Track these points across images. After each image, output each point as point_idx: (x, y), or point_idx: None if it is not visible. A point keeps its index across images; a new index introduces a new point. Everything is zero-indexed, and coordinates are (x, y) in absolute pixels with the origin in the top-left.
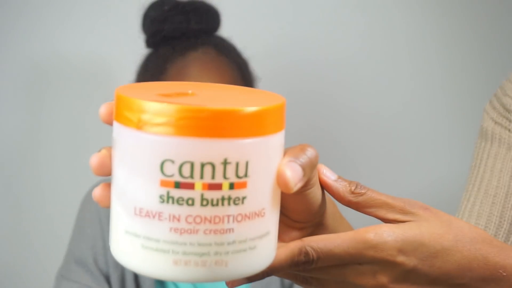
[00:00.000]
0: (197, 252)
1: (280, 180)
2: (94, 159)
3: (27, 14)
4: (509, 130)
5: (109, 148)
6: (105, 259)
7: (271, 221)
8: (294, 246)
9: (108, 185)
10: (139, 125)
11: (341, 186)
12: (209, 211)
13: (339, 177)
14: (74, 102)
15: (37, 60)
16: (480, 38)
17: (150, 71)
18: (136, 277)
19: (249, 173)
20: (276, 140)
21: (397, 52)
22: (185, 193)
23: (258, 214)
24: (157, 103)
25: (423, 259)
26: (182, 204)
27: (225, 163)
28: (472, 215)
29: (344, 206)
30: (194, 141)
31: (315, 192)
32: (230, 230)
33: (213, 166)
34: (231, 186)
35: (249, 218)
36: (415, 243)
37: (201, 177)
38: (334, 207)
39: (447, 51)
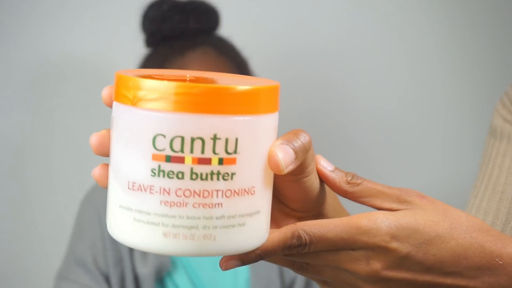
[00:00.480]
0: (186, 225)
1: (271, 161)
2: (94, 138)
3: (26, 14)
4: None
5: (109, 130)
6: (104, 259)
7: (262, 200)
8: (287, 229)
9: (107, 165)
10: (134, 102)
11: (337, 176)
12: (198, 184)
13: (336, 168)
14: (73, 101)
15: (36, 60)
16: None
17: None
18: (136, 277)
19: (239, 150)
20: (268, 121)
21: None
22: (175, 167)
23: (248, 192)
24: (151, 80)
25: (417, 246)
26: (172, 178)
27: (214, 138)
28: (479, 212)
29: (343, 198)
30: (185, 116)
31: (312, 180)
32: (219, 204)
33: (203, 141)
34: (220, 162)
35: (238, 194)
36: (409, 229)
37: (191, 151)
38: (334, 198)
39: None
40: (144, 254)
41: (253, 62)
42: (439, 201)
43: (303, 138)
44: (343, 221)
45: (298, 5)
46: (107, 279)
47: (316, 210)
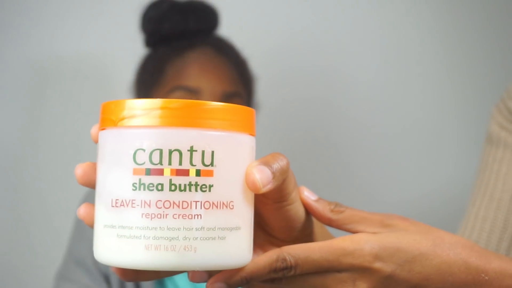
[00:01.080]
0: (167, 236)
1: (249, 180)
2: (79, 169)
3: (25, 14)
4: None
5: (93, 162)
6: None
7: (242, 217)
8: (272, 253)
9: (90, 204)
10: (116, 122)
11: (321, 206)
12: (177, 196)
13: (320, 198)
14: (72, 102)
15: (34, 60)
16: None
17: (149, 71)
18: None
19: (215, 162)
20: (245, 140)
21: (401, 53)
22: (155, 179)
23: (227, 206)
24: (131, 99)
25: (401, 265)
26: (152, 190)
27: (191, 150)
28: (477, 219)
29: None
30: (162, 130)
31: (297, 208)
32: (198, 216)
33: (180, 153)
34: (198, 173)
35: (217, 206)
36: (391, 249)
37: (169, 163)
38: (322, 228)
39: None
40: None
41: (253, 62)
42: (421, 222)
43: (281, 161)
44: (327, 243)
45: (298, 5)
46: (107, 279)
47: (304, 239)
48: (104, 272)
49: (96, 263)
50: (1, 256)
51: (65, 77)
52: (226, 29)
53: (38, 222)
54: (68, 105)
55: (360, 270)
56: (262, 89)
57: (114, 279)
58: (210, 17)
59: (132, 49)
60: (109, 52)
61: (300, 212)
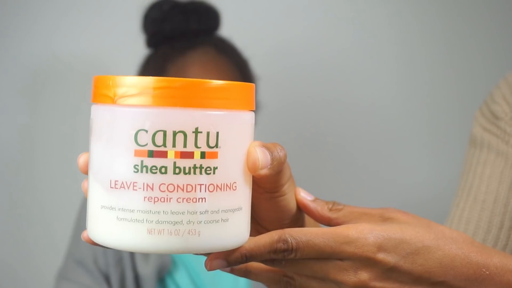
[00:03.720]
0: (171, 221)
1: (250, 159)
2: (82, 159)
3: (24, 13)
4: (498, 137)
5: None
6: (105, 259)
7: (243, 197)
8: (274, 233)
9: None
10: (114, 99)
11: (319, 206)
12: (181, 179)
13: (316, 198)
14: (73, 102)
15: (35, 61)
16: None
17: (150, 71)
18: (136, 277)
19: (220, 144)
20: (247, 118)
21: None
22: (158, 162)
23: (230, 187)
24: (132, 76)
25: (404, 256)
26: (155, 173)
27: (196, 132)
28: (461, 221)
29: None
30: (166, 111)
31: (288, 201)
32: (202, 199)
33: (185, 135)
34: (203, 155)
35: (221, 189)
36: (396, 240)
37: (174, 145)
38: (316, 225)
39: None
40: (146, 254)
41: (254, 62)
42: (419, 216)
43: (280, 151)
44: (330, 229)
45: (299, 6)
46: (107, 279)
47: None
48: (104, 272)
49: (96, 263)
50: (1, 257)
51: (65, 77)
52: (227, 30)
53: (38, 222)
54: (68, 105)
55: (363, 260)
56: (263, 89)
57: (114, 279)
58: (212, 17)
59: (134, 49)
60: (110, 52)
61: (291, 204)
